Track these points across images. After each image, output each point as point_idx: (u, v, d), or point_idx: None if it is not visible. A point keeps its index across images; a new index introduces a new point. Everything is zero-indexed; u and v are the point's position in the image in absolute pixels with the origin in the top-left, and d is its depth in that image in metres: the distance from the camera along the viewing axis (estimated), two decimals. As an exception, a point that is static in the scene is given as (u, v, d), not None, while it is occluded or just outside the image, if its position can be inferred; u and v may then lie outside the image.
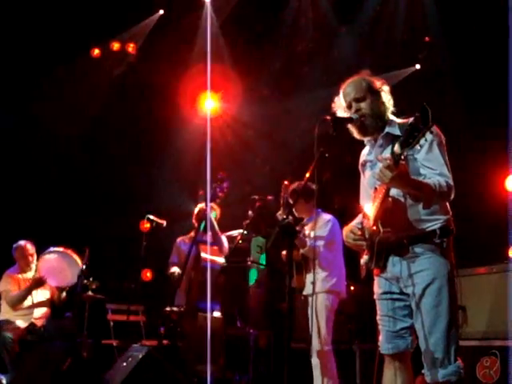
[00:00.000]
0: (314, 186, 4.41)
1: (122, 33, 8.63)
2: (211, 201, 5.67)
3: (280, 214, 5.12)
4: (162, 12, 8.54)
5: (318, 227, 5.07)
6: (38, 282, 6.19)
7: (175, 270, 5.90)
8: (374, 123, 3.11)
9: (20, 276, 6.40)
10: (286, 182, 5.19)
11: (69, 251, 6.40)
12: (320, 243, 4.97)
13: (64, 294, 6.39)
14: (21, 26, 7.63)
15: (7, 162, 7.81)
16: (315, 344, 4.77)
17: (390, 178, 2.73)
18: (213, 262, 5.68)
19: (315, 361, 4.77)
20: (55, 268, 6.35)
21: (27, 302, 6.27)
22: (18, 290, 6.24)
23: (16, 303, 6.20)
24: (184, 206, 7.31)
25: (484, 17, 6.86)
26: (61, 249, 6.42)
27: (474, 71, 6.87)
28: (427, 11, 7.50)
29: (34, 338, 6.05)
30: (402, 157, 2.71)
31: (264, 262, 6.72)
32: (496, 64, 6.65)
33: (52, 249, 6.43)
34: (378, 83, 3.18)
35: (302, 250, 4.94)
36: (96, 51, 8.61)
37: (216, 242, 5.88)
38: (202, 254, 5.72)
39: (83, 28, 7.98)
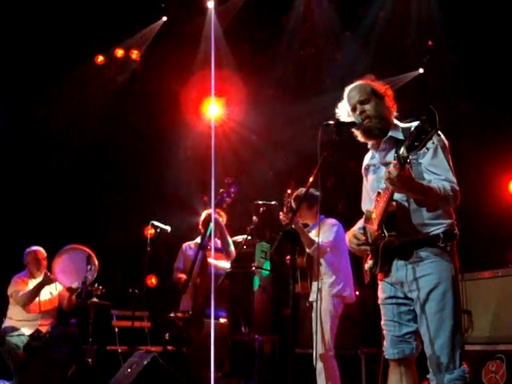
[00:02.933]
0: (317, 193, 4.39)
1: (126, 40, 8.68)
2: (218, 206, 5.64)
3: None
4: (165, 19, 8.58)
5: (323, 231, 5.04)
6: (50, 279, 6.15)
7: (183, 276, 5.89)
8: (378, 125, 3.10)
9: (29, 280, 6.36)
10: (288, 191, 5.16)
11: (83, 247, 6.34)
12: (325, 246, 4.95)
13: (74, 297, 6.36)
14: (25, 32, 7.68)
15: (12, 169, 7.84)
16: (319, 349, 4.76)
17: (396, 181, 2.71)
18: (218, 267, 5.66)
19: (319, 365, 4.75)
20: (70, 267, 6.30)
21: (35, 311, 6.27)
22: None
23: (26, 301, 6.14)
24: (187, 214, 7.33)
25: (488, 19, 6.86)
26: (81, 247, 6.38)
27: (478, 75, 6.86)
28: (431, 15, 7.50)
29: (39, 344, 6.04)
30: (408, 160, 2.68)
31: (268, 268, 6.71)
32: (500, 67, 6.65)
33: (67, 247, 6.40)
34: (382, 88, 3.18)
35: (308, 250, 4.90)
36: (100, 58, 8.66)
37: (225, 246, 5.87)
38: (209, 260, 5.71)
39: (87, 35, 8.03)
